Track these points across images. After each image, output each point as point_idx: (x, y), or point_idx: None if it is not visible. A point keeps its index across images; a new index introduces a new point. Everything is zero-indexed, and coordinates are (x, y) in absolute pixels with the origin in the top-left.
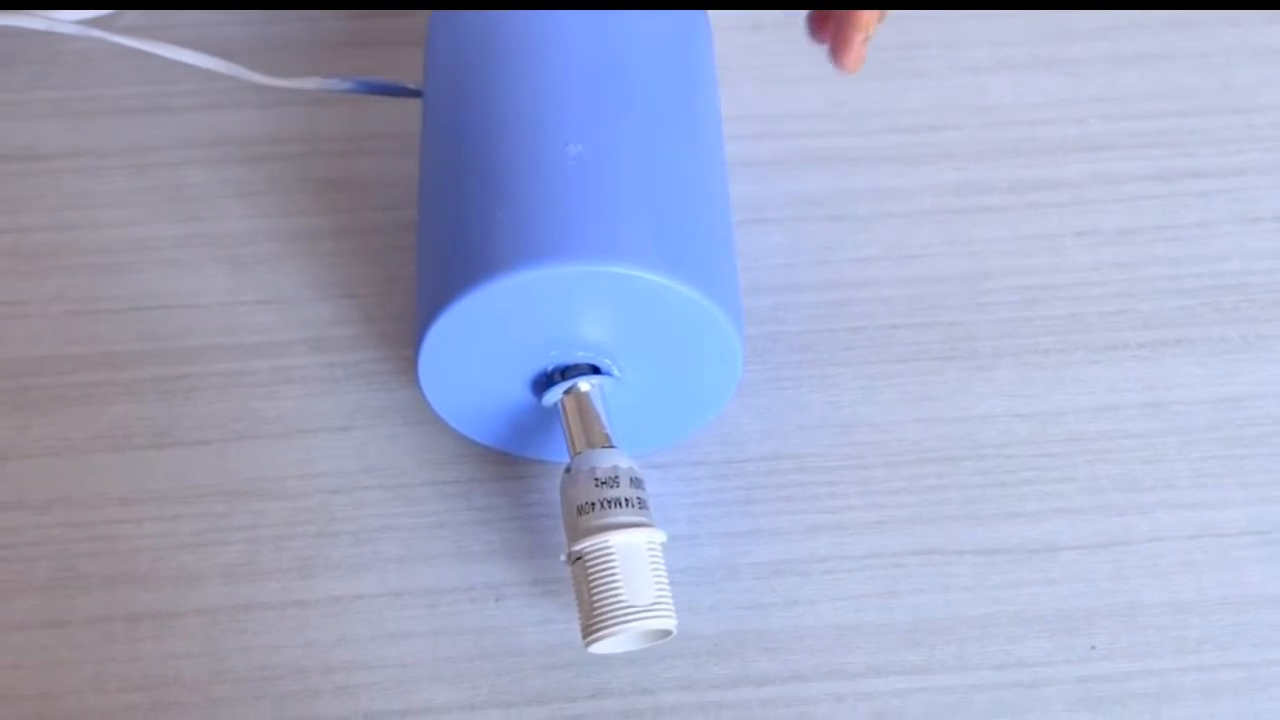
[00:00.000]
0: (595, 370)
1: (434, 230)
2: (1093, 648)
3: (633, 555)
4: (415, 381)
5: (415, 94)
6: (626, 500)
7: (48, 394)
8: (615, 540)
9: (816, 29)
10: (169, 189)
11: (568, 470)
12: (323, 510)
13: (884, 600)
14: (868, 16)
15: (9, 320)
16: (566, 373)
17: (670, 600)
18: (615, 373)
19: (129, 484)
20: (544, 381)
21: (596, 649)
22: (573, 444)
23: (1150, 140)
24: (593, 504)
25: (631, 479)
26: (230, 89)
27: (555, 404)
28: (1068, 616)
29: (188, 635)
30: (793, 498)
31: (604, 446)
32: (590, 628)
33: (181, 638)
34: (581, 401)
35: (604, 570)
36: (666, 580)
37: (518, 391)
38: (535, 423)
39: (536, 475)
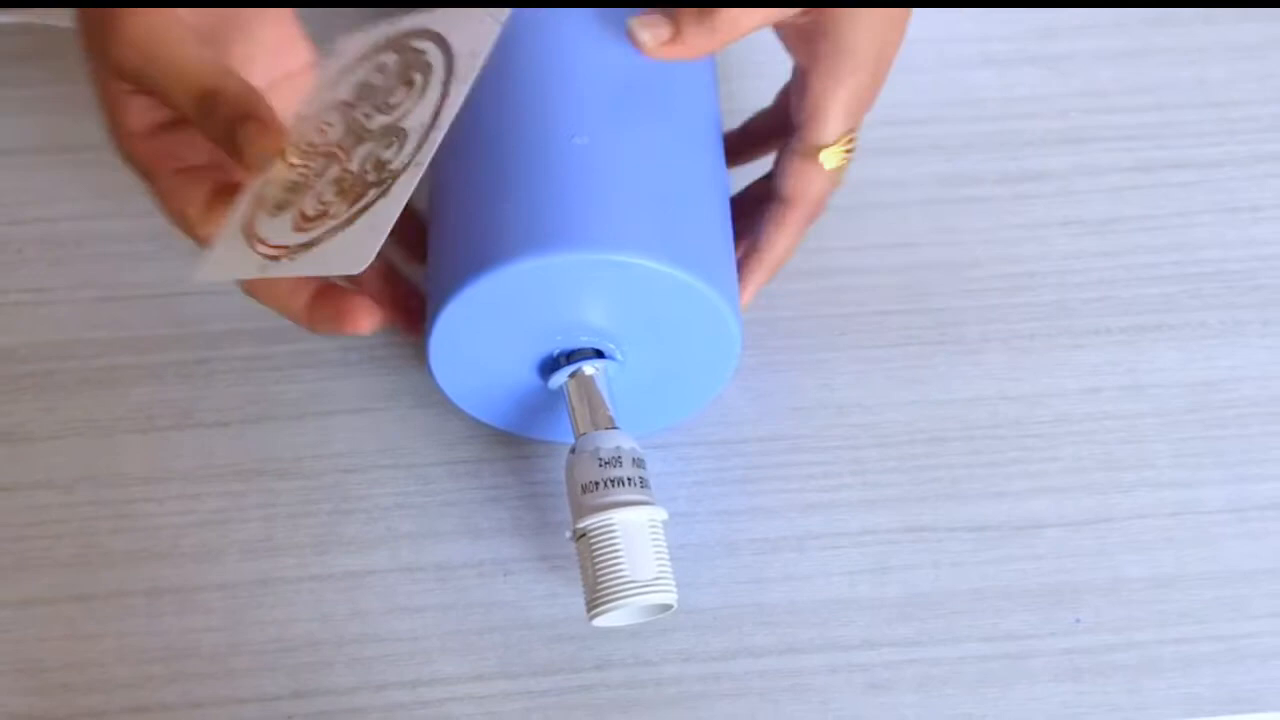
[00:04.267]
0: (599, 354)
1: (445, 220)
2: (1077, 621)
3: (635, 532)
4: (426, 365)
5: None
6: (629, 479)
7: (73, 377)
8: (618, 518)
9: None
10: None
11: (572, 450)
12: (337, 489)
13: (876, 575)
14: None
15: (37, 306)
16: (571, 357)
17: (671, 576)
18: (618, 356)
19: (151, 464)
20: (550, 365)
21: (600, 622)
22: (577, 425)
23: (1131, 133)
24: (596, 483)
25: (634, 459)
26: None
27: (560, 387)
28: (1053, 591)
29: (207, 609)
30: (788, 477)
31: (607, 428)
32: (594, 601)
33: (201, 611)
34: (586, 384)
35: (607, 547)
36: (667, 556)
37: (524, 375)
38: (541, 404)
39: (543, 455)
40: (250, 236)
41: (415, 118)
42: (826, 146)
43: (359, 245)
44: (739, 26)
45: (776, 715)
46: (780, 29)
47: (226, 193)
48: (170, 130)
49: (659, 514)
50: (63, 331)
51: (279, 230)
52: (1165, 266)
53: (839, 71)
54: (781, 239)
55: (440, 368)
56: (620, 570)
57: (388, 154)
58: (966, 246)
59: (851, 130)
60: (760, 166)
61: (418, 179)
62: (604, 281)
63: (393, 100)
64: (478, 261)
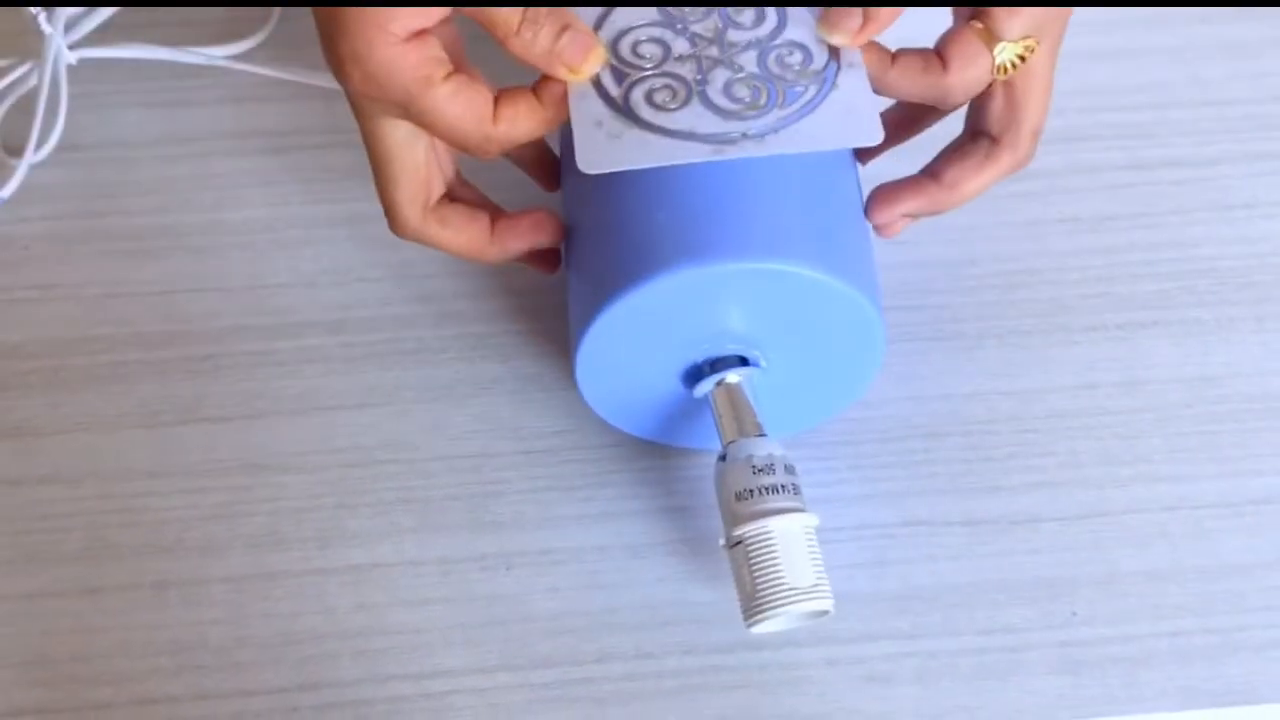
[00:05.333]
0: (743, 361)
1: (592, 228)
2: (1073, 614)
3: (792, 539)
4: (572, 375)
5: None
6: (782, 486)
7: (80, 373)
8: (775, 525)
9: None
10: (195, 178)
11: (722, 458)
12: (341, 483)
13: (874, 569)
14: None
15: (43, 303)
16: (716, 365)
17: (828, 582)
18: (762, 363)
19: (157, 458)
20: (695, 374)
21: (757, 630)
22: (724, 433)
23: (1127, 131)
24: (751, 491)
25: (785, 466)
26: (253, 83)
27: (706, 395)
28: (1049, 584)
29: (213, 602)
30: None
31: (756, 435)
32: (753, 609)
33: (207, 605)
34: (733, 392)
35: (765, 554)
36: (822, 562)
37: (668, 383)
38: (682, 412)
39: (545, 451)
40: (646, 128)
41: (790, 34)
42: (1005, 40)
43: (855, 123)
44: None
45: (775, 707)
46: None
47: (512, 96)
48: (425, 38)
49: (812, 520)
50: (68, 328)
51: (700, 120)
52: (1160, 263)
53: None
54: (908, 86)
55: (585, 376)
56: (780, 578)
57: (800, 60)
58: (964, 244)
59: (1031, 38)
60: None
61: (862, 72)
62: (757, 290)
63: (740, 20)
64: (633, 271)
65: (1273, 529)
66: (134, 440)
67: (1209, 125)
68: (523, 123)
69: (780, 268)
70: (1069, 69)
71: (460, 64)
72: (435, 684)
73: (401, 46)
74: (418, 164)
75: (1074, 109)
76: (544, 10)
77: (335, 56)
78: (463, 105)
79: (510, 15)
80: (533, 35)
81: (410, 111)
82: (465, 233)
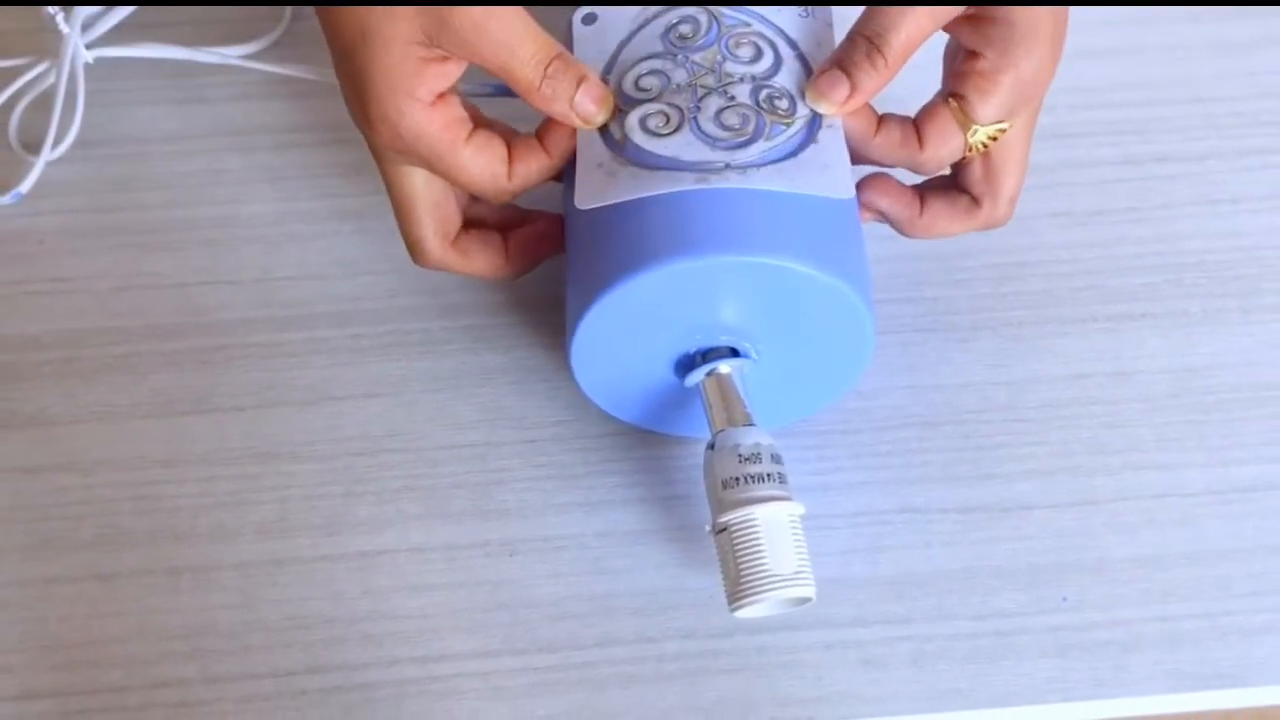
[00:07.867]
0: (734, 353)
1: (587, 225)
2: (1064, 599)
3: (776, 527)
4: (567, 362)
5: None
6: (768, 475)
7: (93, 364)
8: (759, 513)
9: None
10: (206, 174)
11: (711, 447)
12: (349, 472)
13: (870, 555)
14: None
15: (58, 295)
16: (708, 355)
17: (810, 569)
18: (753, 355)
19: (169, 447)
20: (686, 364)
21: (741, 614)
22: (714, 422)
23: (1118, 128)
24: (737, 479)
25: (772, 455)
26: (263, 81)
27: (697, 385)
28: (1040, 570)
29: (224, 588)
30: (785, 460)
31: (745, 425)
32: (736, 594)
33: (218, 590)
34: (723, 383)
35: (749, 541)
36: (806, 550)
37: (660, 372)
38: (674, 401)
39: (547, 440)
40: (638, 164)
41: (781, 81)
42: (978, 125)
43: (830, 177)
44: (907, 50)
45: (772, 690)
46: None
47: (523, 152)
48: (448, 99)
49: (797, 509)
50: (83, 320)
51: (688, 148)
52: (1150, 257)
53: (1014, 52)
54: (887, 157)
55: (580, 363)
56: (763, 564)
57: (786, 106)
58: (957, 237)
59: (1004, 120)
60: None
61: (840, 133)
62: (748, 283)
63: (738, 53)
64: (627, 263)
65: (1258, 516)
66: (147, 430)
67: (1198, 122)
68: (534, 174)
69: (770, 261)
70: (1062, 66)
71: (475, 115)
72: (440, 667)
73: (428, 111)
74: (437, 202)
75: (1065, 106)
76: (561, 66)
77: (364, 117)
78: (482, 164)
79: (532, 73)
80: (553, 90)
81: (435, 167)
82: (482, 259)
